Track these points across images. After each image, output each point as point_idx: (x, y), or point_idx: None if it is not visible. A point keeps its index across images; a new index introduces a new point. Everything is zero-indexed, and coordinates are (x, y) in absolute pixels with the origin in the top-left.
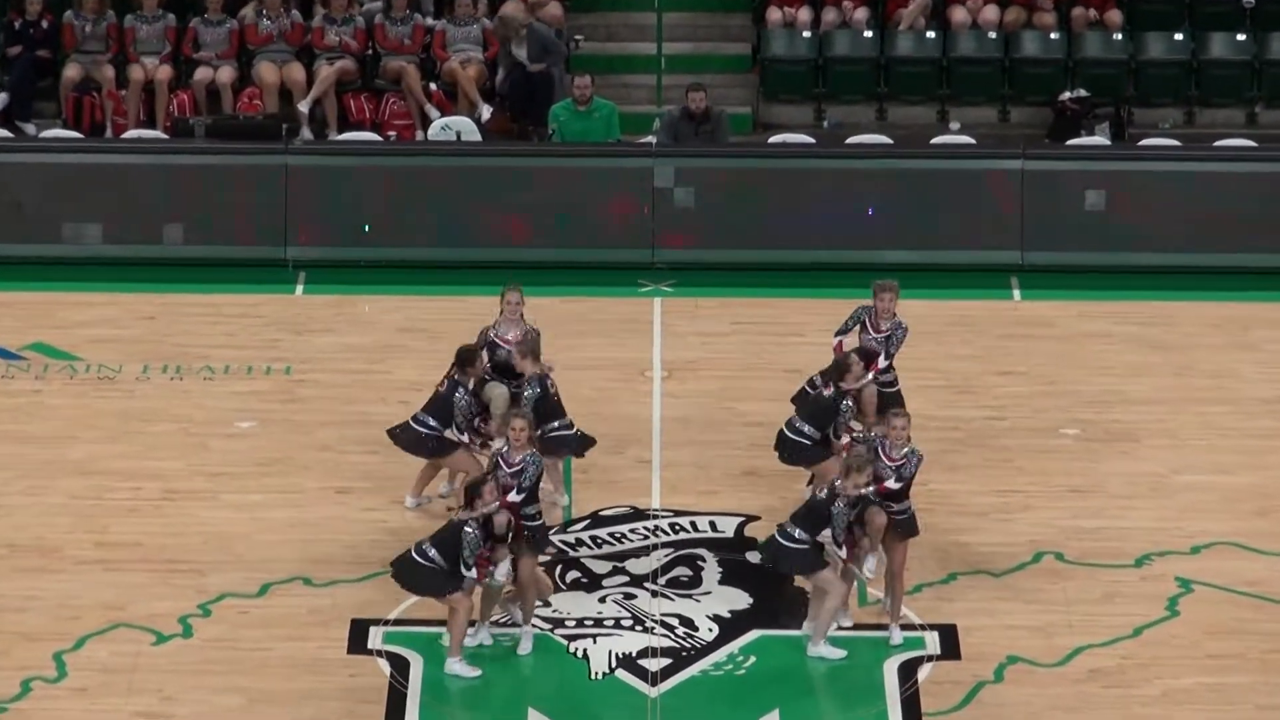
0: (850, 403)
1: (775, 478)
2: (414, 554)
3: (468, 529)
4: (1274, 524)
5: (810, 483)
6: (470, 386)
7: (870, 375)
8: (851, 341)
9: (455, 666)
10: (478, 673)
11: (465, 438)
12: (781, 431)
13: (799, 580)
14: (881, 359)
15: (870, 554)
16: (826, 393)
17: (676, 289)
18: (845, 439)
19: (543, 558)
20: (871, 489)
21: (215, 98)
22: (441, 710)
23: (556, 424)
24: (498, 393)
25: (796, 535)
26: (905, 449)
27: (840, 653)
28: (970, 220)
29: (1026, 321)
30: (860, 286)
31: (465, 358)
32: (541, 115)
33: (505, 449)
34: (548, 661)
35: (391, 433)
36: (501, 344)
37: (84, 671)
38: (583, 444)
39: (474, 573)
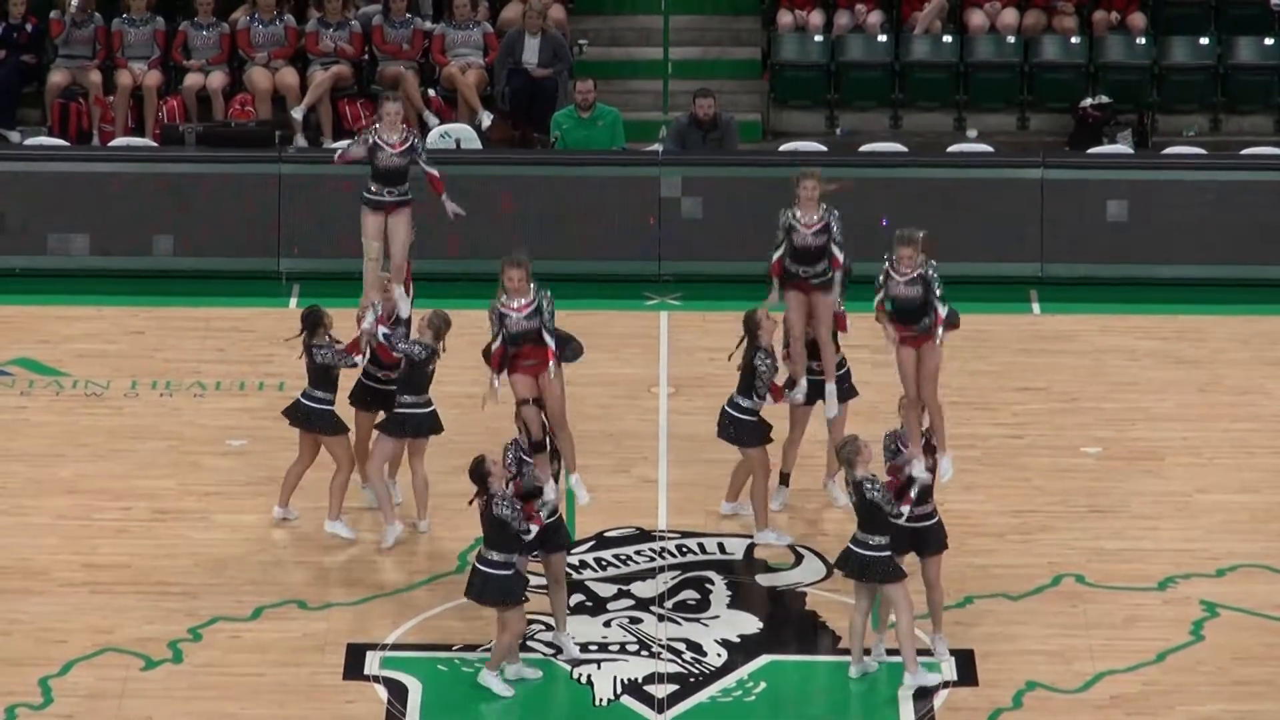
0: (766, 358)
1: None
2: (480, 566)
3: (498, 506)
4: None
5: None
6: (326, 344)
7: (838, 275)
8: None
9: (489, 679)
10: (511, 692)
11: (345, 362)
12: (723, 410)
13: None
14: (838, 254)
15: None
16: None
17: (684, 302)
18: (771, 399)
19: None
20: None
21: (206, 104)
22: None
23: (409, 399)
24: (369, 239)
25: (872, 543)
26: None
27: (936, 677)
28: (988, 231)
29: (1046, 336)
30: (873, 299)
31: (312, 321)
32: (543, 122)
33: (505, 298)
34: (550, 688)
35: (285, 411)
36: (385, 145)
37: (70, 698)
38: (420, 428)
39: (534, 527)
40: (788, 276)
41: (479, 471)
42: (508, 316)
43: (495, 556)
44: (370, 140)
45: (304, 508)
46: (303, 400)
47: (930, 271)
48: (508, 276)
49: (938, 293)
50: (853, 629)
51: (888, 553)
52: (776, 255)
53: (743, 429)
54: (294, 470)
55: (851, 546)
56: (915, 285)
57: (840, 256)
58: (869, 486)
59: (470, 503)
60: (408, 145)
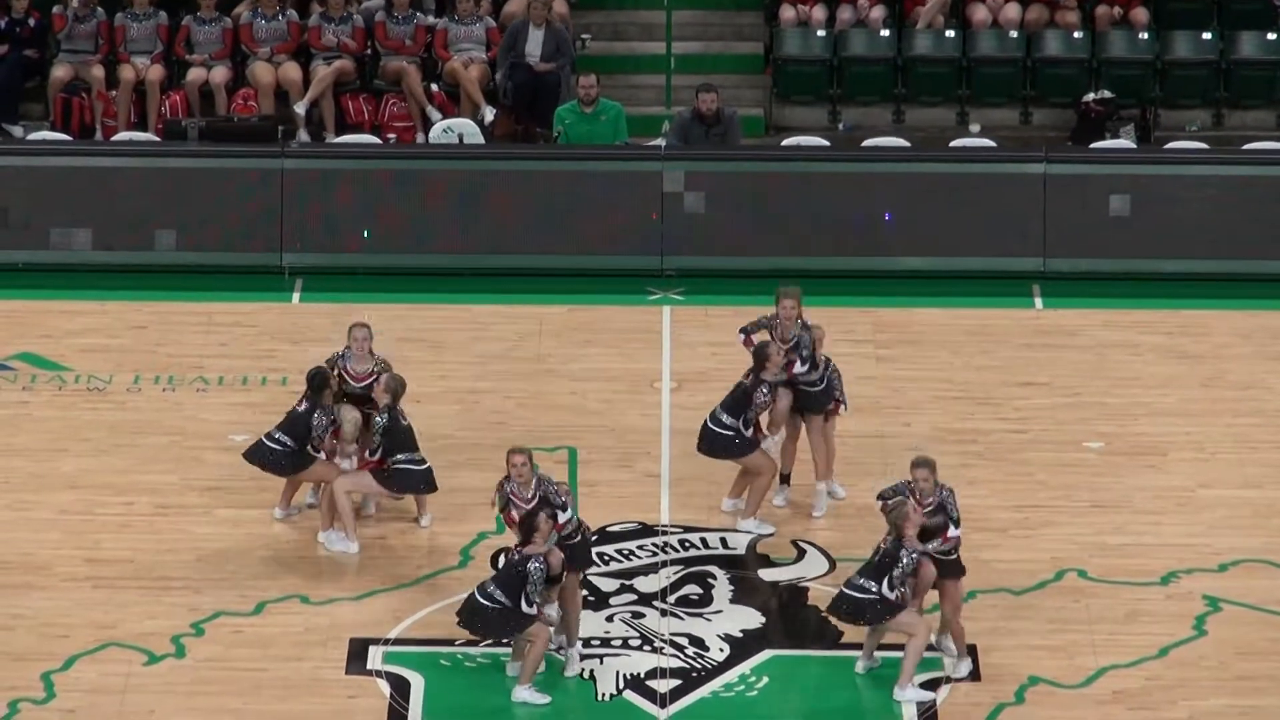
0: (767, 392)
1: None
2: (478, 596)
3: (534, 565)
4: None
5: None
6: (328, 407)
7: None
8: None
9: (524, 694)
10: (547, 699)
11: (321, 455)
12: (705, 425)
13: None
14: (798, 365)
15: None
16: (746, 381)
17: (686, 297)
18: (753, 431)
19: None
20: (783, 376)
21: (209, 99)
22: None
23: (403, 457)
24: (349, 417)
25: (871, 588)
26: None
27: (930, 695)
28: (990, 226)
29: (1049, 331)
30: (876, 294)
31: (319, 383)
32: (546, 116)
33: (514, 487)
34: (553, 683)
35: (245, 454)
36: (350, 378)
37: (73, 692)
38: (427, 483)
39: (535, 609)
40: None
41: (531, 524)
42: (516, 506)
43: (499, 595)
44: (337, 370)
45: (306, 502)
46: (265, 441)
47: (944, 494)
48: (511, 463)
49: (955, 515)
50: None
51: (878, 597)
52: (748, 335)
53: (721, 443)
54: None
55: (845, 590)
56: (937, 515)
57: (799, 369)
58: (905, 554)
59: (514, 548)
60: (372, 379)
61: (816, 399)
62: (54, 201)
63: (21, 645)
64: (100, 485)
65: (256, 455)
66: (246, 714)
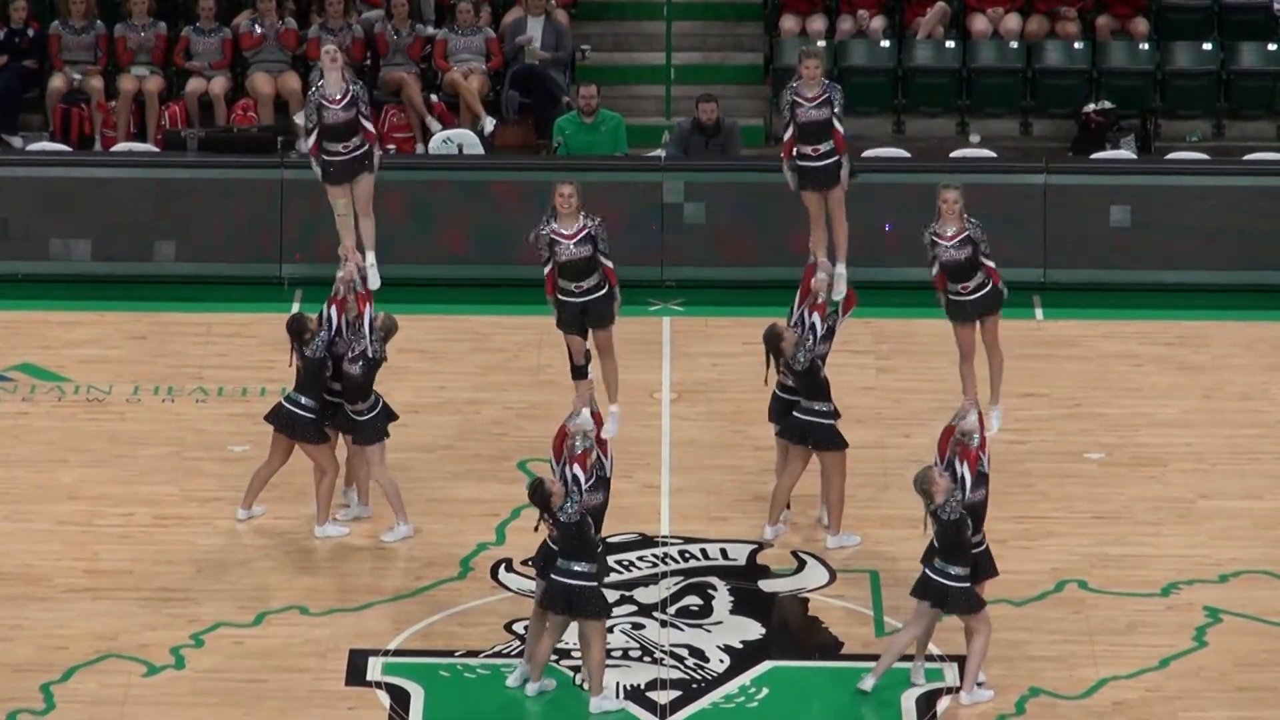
0: (804, 346)
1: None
2: (560, 579)
3: (568, 515)
4: None
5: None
6: (317, 344)
7: (844, 158)
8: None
9: (601, 703)
10: (619, 705)
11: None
12: (795, 418)
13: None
14: (840, 130)
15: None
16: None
17: (686, 308)
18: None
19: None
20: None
21: (208, 109)
22: None
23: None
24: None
25: (953, 572)
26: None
27: (989, 693)
28: (991, 236)
29: (1049, 341)
30: (879, 305)
31: (298, 326)
32: (548, 114)
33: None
34: (554, 694)
35: (267, 417)
36: (328, 103)
37: (72, 704)
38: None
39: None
40: (799, 160)
41: (541, 493)
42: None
43: (579, 568)
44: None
45: (306, 513)
46: (286, 405)
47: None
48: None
49: (986, 250)
50: (891, 647)
51: (968, 583)
52: (786, 136)
53: (819, 432)
54: (262, 473)
55: (930, 574)
56: (964, 248)
57: (842, 131)
58: (947, 512)
59: (536, 528)
60: (349, 98)
61: (828, 174)
62: (53, 212)
63: (21, 656)
64: (99, 496)
65: (277, 417)
66: None
